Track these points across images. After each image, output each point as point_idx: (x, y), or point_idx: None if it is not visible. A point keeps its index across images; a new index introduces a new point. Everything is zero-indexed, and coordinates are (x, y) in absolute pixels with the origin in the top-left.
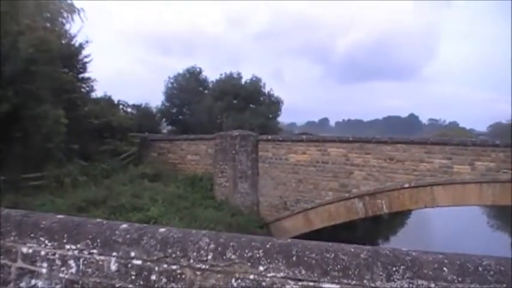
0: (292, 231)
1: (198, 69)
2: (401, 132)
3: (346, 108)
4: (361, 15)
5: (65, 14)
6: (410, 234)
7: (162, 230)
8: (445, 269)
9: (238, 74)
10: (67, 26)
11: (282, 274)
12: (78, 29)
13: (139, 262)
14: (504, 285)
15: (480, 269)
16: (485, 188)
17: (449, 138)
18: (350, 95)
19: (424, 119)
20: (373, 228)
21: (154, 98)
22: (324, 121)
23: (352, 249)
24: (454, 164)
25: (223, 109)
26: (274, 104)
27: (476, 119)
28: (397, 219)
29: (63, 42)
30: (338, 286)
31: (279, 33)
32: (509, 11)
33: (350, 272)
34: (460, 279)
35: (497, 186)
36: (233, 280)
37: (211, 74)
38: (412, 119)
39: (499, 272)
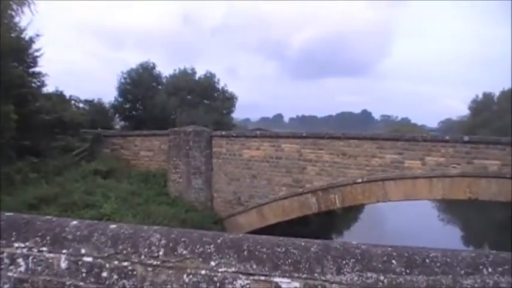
0: (246, 227)
1: (151, 64)
2: (355, 128)
3: (300, 104)
4: (317, 12)
5: (15, 7)
6: (363, 228)
7: (112, 226)
8: (393, 261)
9: (192, 69)
10: (16, 19)
11: (233, 269)
12: (28, 22)
13: (90, 259)
14: (450, 276)
15: (427, 260)
16: (435, 182)
17: (401, 134)
18: (305, 91)
19: (377, 115)
20: (327, 223)
21: (108, 93)
22: (278, 117)
23: (303, 243)
24: (405, 159)
25: (177, 105)
26: (228, 100)
27: (428, 115)
28: (351, 213)
29: (12, 35)
30: (289, 280)
31: (234, 29)
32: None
33: (301, 266)
34: (407, 271)
35: (446, 180)
36: (185, 276)
37: (167, 69)
38: (365, 115)
39: (445, 264)
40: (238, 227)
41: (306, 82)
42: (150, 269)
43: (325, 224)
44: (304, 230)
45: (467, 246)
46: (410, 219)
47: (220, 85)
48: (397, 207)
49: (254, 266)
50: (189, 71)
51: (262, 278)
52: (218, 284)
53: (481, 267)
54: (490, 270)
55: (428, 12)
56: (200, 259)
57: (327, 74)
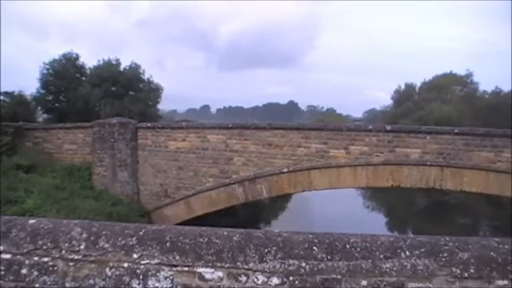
0: (174, 219)
1: (74, 55)
2: (281, 119)
3: (227, 95)
4: (245, 3)
5: None
6: (291, 217)
7: (32, 221)
8: (315, 248)
9: (117, 60)
10: None
11: (156, 261)
12: None
13: (8, 256)
14: (370, 260)
15: (348, 246)
16: (359, 171)
17: (325, 123)
18: (232, 82)
19: (303, 105)
20: (255, 213)
21: (30, 85)
22: (205, 108)
23: (226, 233)
24: (330, 149)
25: (101, 96)
26: (154, 91)
27: (353, 106)
28: (278, 203)
29: None
30: (212, 270)
31: (162, 21)
32: (384, 6)
33: (224, 255)
34: (329, 257)
35: (370, 169)
36: (107, 269)
37: (93, 61)
38: (292, 105)
39: (365, 249)
40: (165, 219)
41: (233, 73)
42: (71, 264)
43: (253, 214)
44: (232, 220)
45: (391, 232)
46: (337, 207)
47: (146, 76)
48: (324, 195)
49: (177, 257)
50: (114, 62)
51: (186, 268)
52: (141, 277)
53: (399, 251)
54: (407, 253)
55: (354, 6)
56: (122, 252)
57: (254, 65)
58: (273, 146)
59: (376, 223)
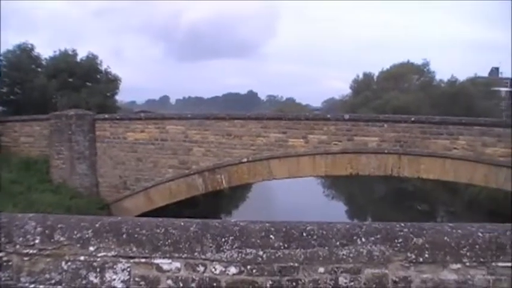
0: (133, 211)
1: (29, 46)
2: (241, 109)
3: (187, 85)
4: None
5: None
6: (252, 207)
7: None
8: (271, 236)
9: (74, 51)
10: None
11: (113, 253)
12: None
13: None
14: (326, 247)
15: (304, 234)
16: (318, 159)
17: (284, 113)
18: (191, 72)
19: (262, 95)
20: (216, 204)
21: None
22: (165, 99)
23: (182, 224)
24: (289, 138)
25: (57, 88)
26: (111, 82)
27: (313, 95)
28: (238, 193)
29: None
30: (169, 260)
31: (120, 10)
32: None
33: (181, 246)
34: (286, 245)
35: (329, 157)
36: (63, 263)
37: (49, 51)
38: (251, 95)
39: (321, 236)
40: (125, 211)
41: (193, 64)
42: (26, 258)
43: (213, 204)
44: (193, 211)
45: (351, 220)
46: (297, 196)
47: (103, 67)
48: (285, 185)
49: (134, 249)
50: (70, 53)
51: (143, 260)
52: (98, 269)
53: (355, 237)
54: (363, 240)
55: None
56: (78, 245)
57: (214, 55)
58: (233, 136)
59: (336, 211)
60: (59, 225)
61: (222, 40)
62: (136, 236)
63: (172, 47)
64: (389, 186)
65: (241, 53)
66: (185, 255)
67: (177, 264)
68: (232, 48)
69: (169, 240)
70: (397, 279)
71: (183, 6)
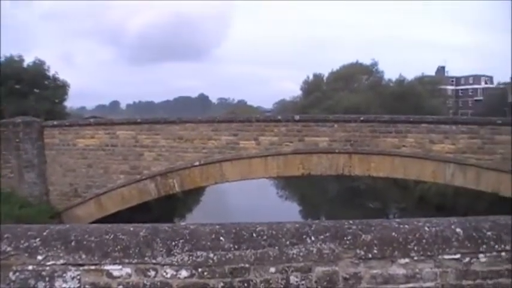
0: (85, 218)
1: None
2: (192, 112)
3: (138, 90)
4: None
5: None
6: (205, 210)
7: None
8: (222, 238)
9: (20, 56)
10: None
11: (62, 261)
12: None
13: None
14: (276, 247)
15: (254, 235)
16: (270, 161)
17: (235, 115)
18: (142, 76)
19: (214, 98)
20: (169, 208)
21: None
22: (115, 104)
23: (132, 229)
24: (240, 140)
25: (4, 95)
26: (60, 88)
27: (264, 97)
28: (192, 197)
29: None
30: (120, 266)
31: (69, 14)
32: None
33: (131, 251)
34: (236, 246)
35: (280, 158)
36: (11, 273)
37: None
38: (203, 98)
39: (271, 236)
40: (77, 219)
41: (143, 67)
42: None
43: (167, 209)
44: (146, 216)
45: (305, 220)
46: (251, 198)
47: (51, 73)
48: (238, 187)
49: (83, 256)
50: (16, 59)
51: (93, 267)
52: (47, 278)
53: (304, 236)
54: (313, 238)
55: None
56: (26, 254)
57: (165, 58)
58: (184, 139)
59: (290, 212)
60: (6, 235)
61: (174, 42)
62: (85, 243)
63: (124, 51)
64: (342, 185)
65: (193, 55)
66: (135, 260)
67: (128, 270)
68: (183, 50)
69: (118, 246)
70: (347, 276)
71: (134, 9)
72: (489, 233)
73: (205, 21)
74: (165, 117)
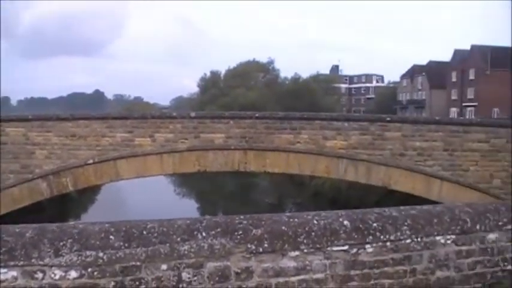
0: None
1: None
2: (87, 109)
3: (30, 85)
4: None
5: None
6: (101, 209)
7: None
8: (111, 237)
9: None
10: None
11: None
12: None
13: None
14: (167, 244)
15: (145, 232)
16: (165, 158)
17: (130, 112)
18: (34, 71)
19: (110, 95)
20: (63, 208)
21: None
22: (5, 100)
23: (18, 230)
24: (135, 137)
25: None
26: None
27: (161, 94)
28: (86, 196)
29: None
30: (5, 270)
31: None
32: None
33: (16, 253)
34: (126, 244)
35: (176, 155)
36: None
37: None
38: (98, 95)
39: (162, 233)
40: None
41: (37, 62)
42: None
43: (61, 209)
44: (39, 217)
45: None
46: (148, 196)
47: None
48: (135, 185)
49: None
50: None
51: None
52: None
53: (196, 232)
54: (204, 234)
55: None
56: None
57: (60, 53)
58: (77, 137)
59: (187, 209)
60: None
61: (68, 36)
62: None
63: (15, 45)
64: (240, 181)
65: (88, 50)
66: (22, 262)
67: (14, 273)
68: (78, 44)
69: (3, 248)
70: (239, 271)
71: (26, 1)
72: (375, 225)
73: (101, 14)
74: (58, 114)
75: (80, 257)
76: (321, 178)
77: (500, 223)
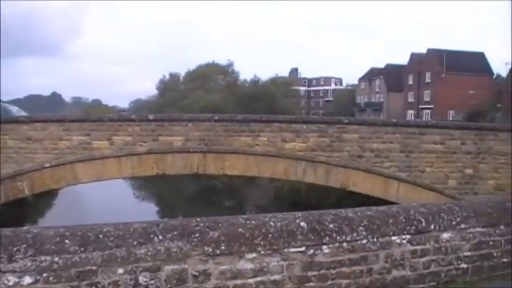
0: None
1: None
2: (45, 111)
3: None
4: None
5: None
6: (59, 213)
7: None
8: (67, 241)
9: None
10: None
11: None
12: None
13: None
14: (124, 248)
15: (101, 236)
16: (124, 161)
17: (88, 115)
18: None
19: (67, 97)
20: (19, 213)
21: None
22: None
23: None
24: (93, 140)
25: None
26: None
27: (120, 96)
28: (43, 200)
29: None
30: None
31: None
32: None
33: None
34: (82, 249)
35: (134, 158)
36: None
37: None
38: (56, 97)
39: (118, 237)
40: None
41: None
42: None
43: (16, 214)
44: None
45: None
46: (107, 199)
47: None
48: (94, 188)
49: None
50: None
51: None
52: None
53: (152, 235)
54: (160, 237)
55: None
56: None
57: (13, 53)
58: (33, 140)
59: (147, 212)
60: None
61: (24, 37)
62: None
63: None
64: (200, 184)
65: (44, 51)
66: None
67: None
68: (34, 46)
69: None
70: (196, 273)
71: None
72: (331, 226)
73: (57, 15)
74: (14, 117)
75: (34, 262)
76: (280, 180)
77: (453, 222)
